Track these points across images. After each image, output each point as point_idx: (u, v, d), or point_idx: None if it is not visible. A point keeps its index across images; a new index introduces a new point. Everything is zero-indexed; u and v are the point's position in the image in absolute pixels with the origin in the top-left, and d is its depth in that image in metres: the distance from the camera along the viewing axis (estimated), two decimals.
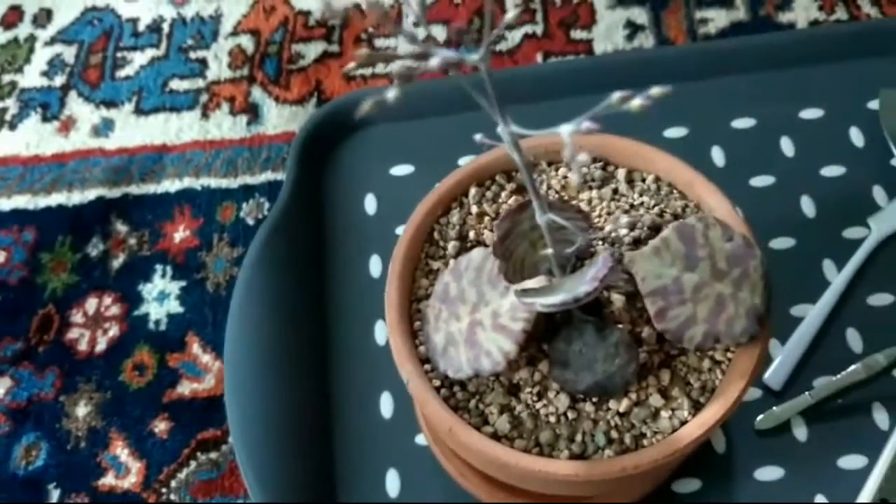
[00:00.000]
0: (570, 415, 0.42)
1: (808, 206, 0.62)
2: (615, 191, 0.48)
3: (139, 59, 0.80)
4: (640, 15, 0.77)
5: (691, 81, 0.68)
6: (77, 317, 0.67)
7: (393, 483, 0.54)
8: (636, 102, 0.26)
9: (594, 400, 0.42)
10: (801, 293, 0.58)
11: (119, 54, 0.81)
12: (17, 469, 0.62)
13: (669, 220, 0.46)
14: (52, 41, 0.82)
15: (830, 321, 0.57)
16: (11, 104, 0.78)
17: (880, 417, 0.54)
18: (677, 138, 0.65)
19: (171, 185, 0.73)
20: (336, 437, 0.56)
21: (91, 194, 0.73)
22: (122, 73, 0.79)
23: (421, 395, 0.43)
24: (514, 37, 0.75)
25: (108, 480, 0.61)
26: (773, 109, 0.66)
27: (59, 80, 0.80)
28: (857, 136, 0.65)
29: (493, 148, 0.34)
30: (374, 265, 0.61)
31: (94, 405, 0.63)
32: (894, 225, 0.61)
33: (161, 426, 0.62)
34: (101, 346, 0.66)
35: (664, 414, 0.42)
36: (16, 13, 0.83)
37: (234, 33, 0.80)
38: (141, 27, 0.82)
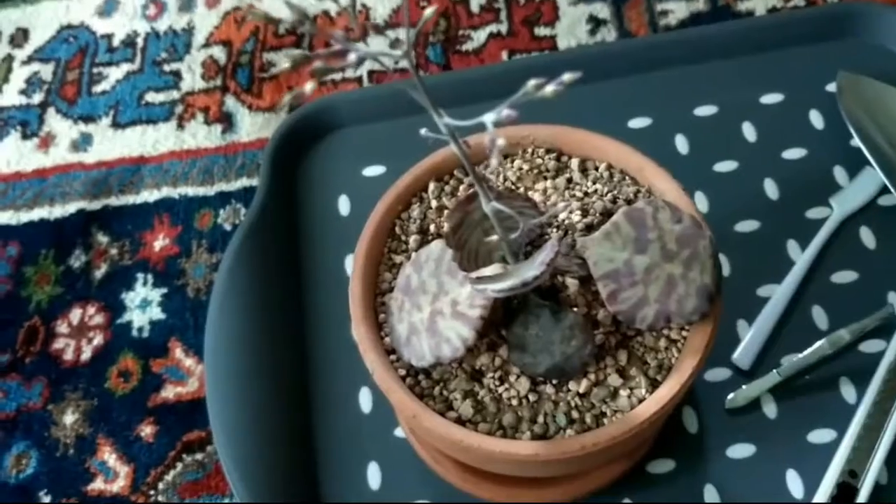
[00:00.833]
0: (532, 397, 0.44)
1: (771, 188, 0.63)
2: (569, 180, 0.50)
3: (115, 73, 0.81)
4: (602, 10, 0.78)
5: (653, 72, 0.69)
6: (62, 327, 0.68)
7: (374, 476, 0.55)
8: (549, 89, 0.27)
9: (554, 382, 0.44)
10: (766, 274, 0.59)
11: (95, 70, 0.81)
12: (9, 478, 0.63)
13: (622, 205, 0.47)
14: (30, 60, 0.83)
15: (796, 300, 0.58)
16: None
17: (847, 391, 0.55)
18: (642, 128, 0.67)
19: (149, 196, 0.73)
20: (317, 434, 0.57)
21: (72, 207, 0.74)
22: (98, 89, 0.80)
23: (385, 384, 0.44)
24: (480, 36, 0.77)
25: (98, 485, 0.62)
26: (734, 96, 0.67)
27: (37, 98, 0.80)
28: (816, 119, 0.66)
29: (444, 143, 0.35)
30: (349, 264, 0.62)
31: (81, 413, 0.64)
32: (855, 204, 0.62)
33: (147, 430, 0.63)
34: (86, 354, 0.67)
35: (623, 393, 0.44)
36: None
37: (207, 45, 0.81)
38: (116, 42, 0.83)
